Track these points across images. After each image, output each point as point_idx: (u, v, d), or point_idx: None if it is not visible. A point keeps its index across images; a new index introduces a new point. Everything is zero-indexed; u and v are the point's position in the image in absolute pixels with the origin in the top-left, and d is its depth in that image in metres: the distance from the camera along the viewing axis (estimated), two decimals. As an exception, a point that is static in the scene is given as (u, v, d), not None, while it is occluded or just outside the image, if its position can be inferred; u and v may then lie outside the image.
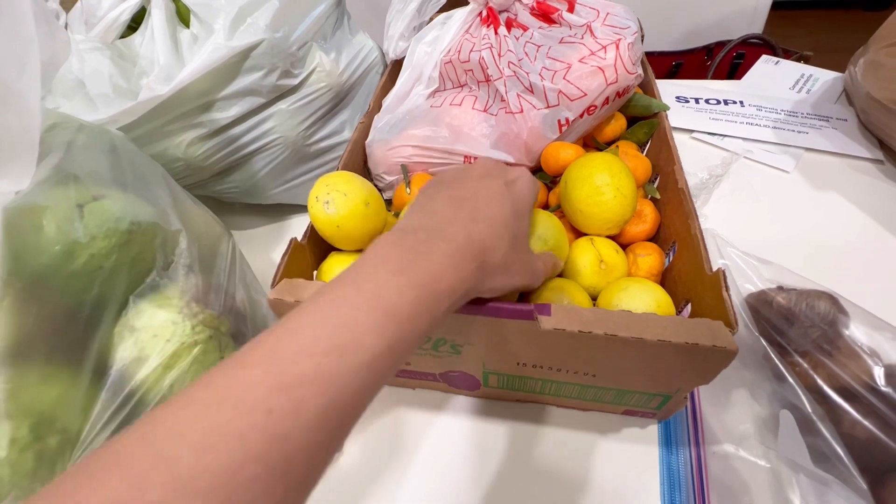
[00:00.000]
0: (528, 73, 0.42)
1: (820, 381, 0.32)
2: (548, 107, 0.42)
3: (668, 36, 1.08)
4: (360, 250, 0.40)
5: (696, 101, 0.68)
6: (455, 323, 0.31)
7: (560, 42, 0.44)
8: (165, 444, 0.14)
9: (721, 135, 0.63)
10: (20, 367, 0.24)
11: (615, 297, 0.34)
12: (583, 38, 0.42)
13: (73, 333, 0.27)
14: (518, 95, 0.43)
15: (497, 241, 0.25)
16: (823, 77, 0.71)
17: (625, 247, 0.43)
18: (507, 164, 0.46)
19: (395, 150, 0.46)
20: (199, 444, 0.14)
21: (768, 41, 0.92)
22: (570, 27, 0.44)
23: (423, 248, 0.22)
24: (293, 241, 0.36)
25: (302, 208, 0.60)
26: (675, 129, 0.64)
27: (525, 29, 0.45)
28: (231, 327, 0.32)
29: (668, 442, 0.37)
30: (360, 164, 0.49)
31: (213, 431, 0.15)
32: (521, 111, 0.43)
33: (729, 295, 0.30)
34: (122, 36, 0.48)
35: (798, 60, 0.94)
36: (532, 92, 0.43)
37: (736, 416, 0.36)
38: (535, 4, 0.44)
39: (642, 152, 0.51)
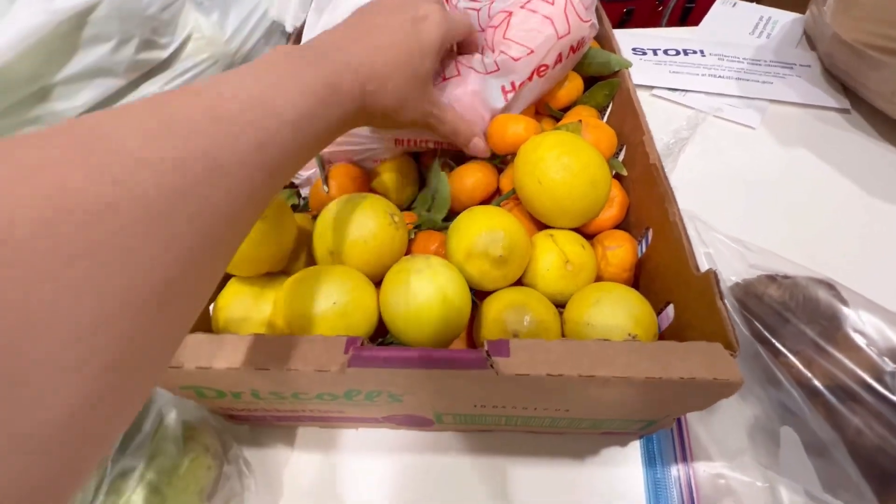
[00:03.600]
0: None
1: (818, 384, 0.28)
2: (488, 72, 0.34)
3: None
4: (269, 273, 0.31)
5: (654, 52, 0.62)
6: (386, 375, 0.23)
7: None
8: (114, 129, 0.12)
9: (683, 90, 0.57)
10: None
11: (585, 313, 0.28)
12: None
13: None
14: (454, 59, 0.34)
15: (391, 70, 0.25)
16: (783, 19, 0.66)
17: (590, 236, 0.36)
18: (449, 144, 0.37)
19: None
20: (149, 133, 0.13)
21: (722, -19, 0.86)
22: None
23: (322, 54, 0.22)
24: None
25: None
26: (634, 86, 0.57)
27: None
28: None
29: (652, 461, 0.32)
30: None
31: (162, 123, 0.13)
32: (458, 75, 0.34)
33: (725, 304, 0.24)
34: None
35: (752, 0, 0.89)
36: (468, 51, 0.34)
37: (727, 426, 0.32)
38: None
39: (602, 118, 0.44)
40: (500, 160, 0.39)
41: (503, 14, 0.35)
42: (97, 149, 0.12)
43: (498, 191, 0.39)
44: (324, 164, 0.37)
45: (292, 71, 0.19)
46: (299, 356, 0.23)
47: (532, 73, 0.36)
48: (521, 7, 0.34)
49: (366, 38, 0.25)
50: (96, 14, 0.32)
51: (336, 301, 0.26)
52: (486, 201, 0.39)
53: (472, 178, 0.38)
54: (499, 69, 0.34)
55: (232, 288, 0.30)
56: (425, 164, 0.42)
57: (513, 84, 0.35)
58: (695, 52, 0.61)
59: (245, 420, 0.33)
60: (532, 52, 0.34)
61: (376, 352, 0.22)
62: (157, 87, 0.37)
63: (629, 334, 0.27)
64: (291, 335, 0.24)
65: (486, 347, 0.22)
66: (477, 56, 0.34)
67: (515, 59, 0.34)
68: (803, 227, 0.45)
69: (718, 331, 0.24)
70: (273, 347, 0.23)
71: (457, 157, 0.40)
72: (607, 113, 0.44)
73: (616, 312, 0.27)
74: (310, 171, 0.38)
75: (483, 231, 0.29)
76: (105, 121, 0.13)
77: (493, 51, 0.34)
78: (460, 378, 0.23)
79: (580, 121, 0.34)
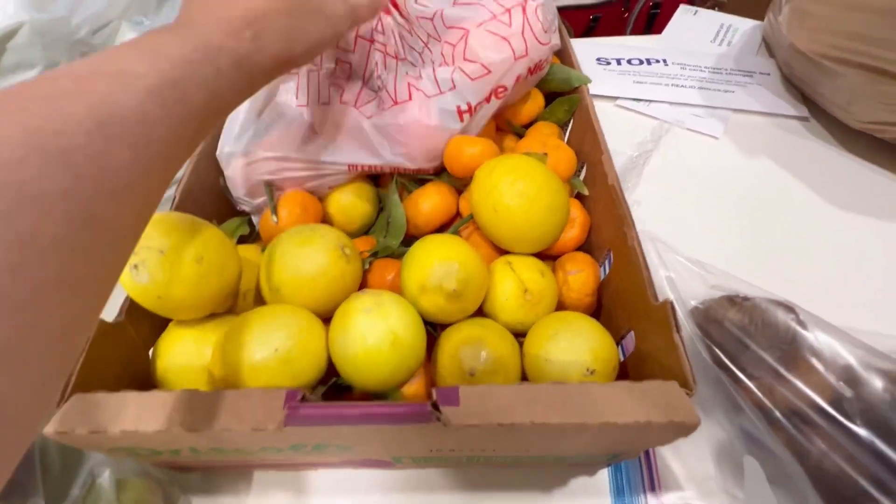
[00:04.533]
0: (414, 49, 0.32)
1: (778, 412, 0.27)
2: (442, 91, 0.33)
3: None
4: (213, 314, 0.29)
5: (618, 62, 0.62)
6: (329, 431, 0.22)
7: (453, 4, 0.34)
8: None
9: (647, 100, 0.57)
10: None
11: (543, 347, 0.27)
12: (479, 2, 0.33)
13: None
14: (407, 82, 0.33)
15: (267, 4, 0.22)
16: (743, 27, 0.67)
17: (553, 257, 0.35)
18: (405, 168, 0.36)
19: (256, 163, 0.35)
20: None
21: (684, -11, 0.87)
22: None
23: (185, 22, 0.21)
24: (98, 325, 0.25)
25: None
26: (598, 96, 0.57)
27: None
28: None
29: (620, 491, 0.32)
30: (212, 184, 0.38)
31: None
32: (410, 99, 0.33)
33: (681, 337, 0.23)
34: None
35: (712, 7, 0.90)
36: (421, 75, 0.33)
37: (694, 452, 0.31)
38: None
39: (564, 133, 0.44)
40: (462, 183, 0.38)
41: (460, 31, 0.34)
42: None
43: (458, 214, 0.38)
44: (273, 192, 0.35)
45: (151, 42, 0.18)
46: (233, 414, 0.21)
47: (490, 94, 0.35)
48: (478, 26, 0.33)
49: None
50: (16, 41, 0.30)
51: (278, 348, 0.25)
52: (445, 225, 0.38)
53: (429, 202, 0.37)
54: (455, 87, 0.33)
55: (173, 332, 0.28)
56: (384, 187, 0.41)
57: (469, 105, 0.34)
58: (658, 62, 0.61)
59: (193, 469, 0.31)
60: (488, 72, 0.33)
61: (314, 409, 0.20)
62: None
63: (587, 369, 0.26)
64: (226, 389, 0.22)
65: (434, 397, 0.21)
66: (428, 73, 0.33)
67: (473, 79, 0.33)
68: (765, 237, 0.45)
69: (675, 366, 0.23)
70: (205, 404, 0.21)
71: (416, 179, 0.39)
72: (568, 129, 0.43)
73: (574, 346, 0.26)
74: (260, 198, 0.37)
75: (436, 263, 0.28)
76: None
77: (450, 66, 0.33)
78: (407, 430, 0.22)
79: (545, 153, 0.33)
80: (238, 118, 0.35)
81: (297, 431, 0.21)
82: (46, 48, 0.31)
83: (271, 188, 0.35)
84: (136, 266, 0.25)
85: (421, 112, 0.33)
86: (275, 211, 0.34)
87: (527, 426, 0.21)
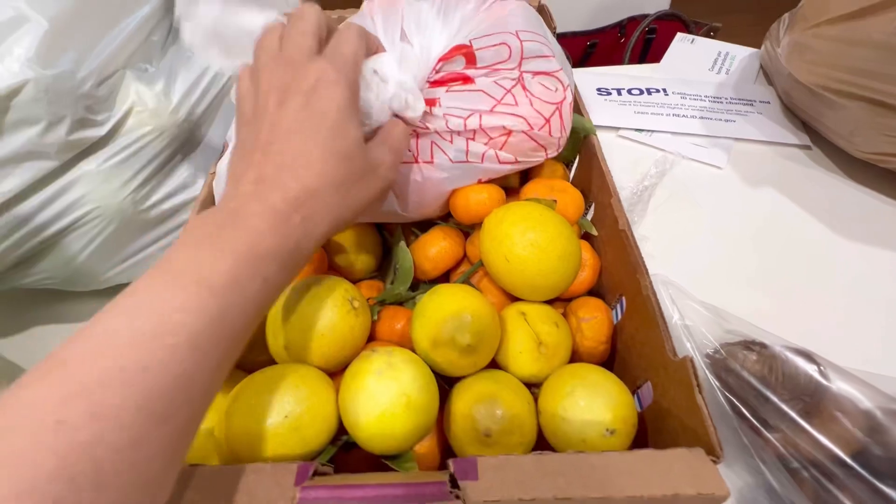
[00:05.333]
0: (459, 136, 0.33)
1: (799, 464, 0.27)
2: (469, 161, 0.33)
3: (579, 13, 1.02)
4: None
5: (619, 92, 0.62)
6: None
7: (490, 111, 0.33)
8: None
9: (648, 130, 0.57)
10: None
11: (560, 406, 0.26)
12: (516, 103, 0.33)
13: None
14: (431, 141, 0.33)
15: (320, 179, 0.22)
16: (740, 54, 0.67)
17: (564, 300, 0.35)
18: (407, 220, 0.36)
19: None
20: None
21: (680, 16, 0.88)
22: (498, 85, 0.34)
23: (234, 216, 0.20)
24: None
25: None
26: (599, 127, 0.57)
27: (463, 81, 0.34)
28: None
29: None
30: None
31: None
32: (432, 162, 0.33)
33: (704, 398, 0.23)
34: None
35: (708, 33, 0.92)
36: (452, 140, 0.33)
37: None
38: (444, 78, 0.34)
39: (569, 171, 0.43)
40: (468, 228, 0.37)
41: (502, 131, 0.33)
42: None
43: (465, 257, 0.38)
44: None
45: (196, 268, 0.18)
46: (244, 491, 0.20)
47: (508, 170, 0.35)
48: (521, 132, 0.33)
49: (267, 164, 0.22)
50: (21, 98, 0.30)
51: (288, 414, 0.24)
52: (452, 268, 0.37)
53: (436, 246, 0.36)
54: (482, 162, 0.33)
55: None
56: (390, 230, 0.41)
57: (489, 179, 0.34)
58: (658, 91, 0.62)
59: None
60: (517, 163, 0.34)
61: (327, 490, 0.19)
62: (94, 165, 0.34)
63: (607, 429, 0.25)
64: (235, 465, 0.21)
65: (451, 469, 0.20)
66: (460, 143, 0.33)
67: (501, 163, 0.33)
68: (773, 267, 0.45)
69: (699, 429, 0.22)
70: (214, 481, 0.21)
71: (421, 223, 0.39)
72: (574, 166, 0.43)
73: (592, 405, 0.25)
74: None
75: (449, 316, 0.27)
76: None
77: (485, 146, 0.33)
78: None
79: (554, 200, 0.33)
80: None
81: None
82: (51, 103, 0.31)
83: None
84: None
85: (440, 174, 0.33)
86: (281, 260, 0.34)
87: (549, 501, 0.20)
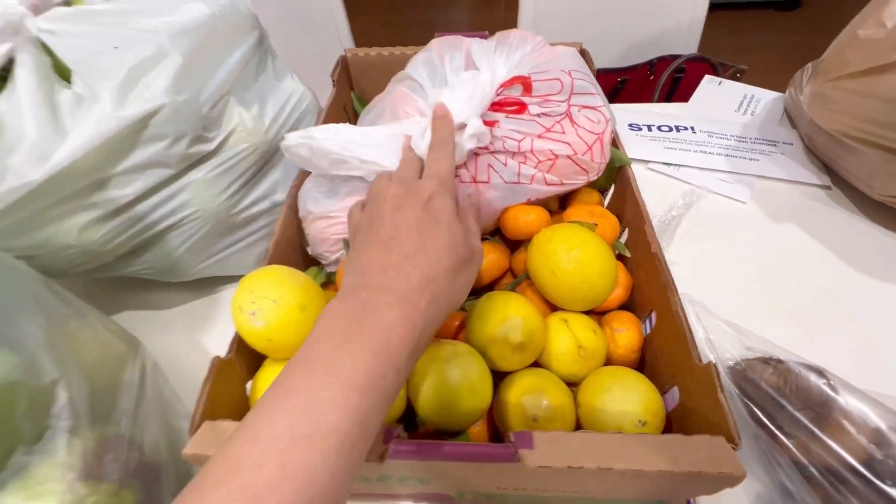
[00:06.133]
0: (512, 158, 0.38)
1: (813, 468, 0.30)
2: (520, 182, 0.38)
3: (610, 51, 1.08)
4: (301, 355, 0.33)
5: (649, 128, 0.67)
6: (417, 466, 0.25)
7: (542, 137, 0.39)
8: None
9: (676, 165, 0.62)
10: None
11: (598, 399, 0.30)
12: (564, 132, 0.38)
13: None
14: (488, 163, 0.38)
15: (438, 266, 0.24)
16: (765, 98, 0.72)
17: (599, 313, 0.39)
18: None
19: (335, 224, 0.40)
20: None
21: (708, 59, 0.93)
22: (548, 115, 0.39)
23: (368, 307, 0.22)
24: (215, 361, 0.30)
25: (233, 279, 0.52)
26: (632, 159, 0.62)
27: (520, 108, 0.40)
28: (139, 496, 0.26)
29: (663, 538, 0.34)
30: (296, 236, 0.43)
31: None
32: (488, 181, 0.38)
33: (725, 397, 0.27)
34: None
35: (734, 75, 0.97)
36: (506, 163, 0.38)
37: (734, 503, 0.34)
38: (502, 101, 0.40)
39: (604, 198, 0.48)
40: (514, 243, 0.42)
41: (550, 155, 0.38)
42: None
43: (510, 269, 0.42)
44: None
45: (341, 368, 0.19)
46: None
47: (553, 192, 0.40)
48: (567, 157, 0.38)
49: (390, 255, 0.24)
50: (157, 118, 0.36)
51: (371, 389, 0.29)
52: (499, 278, 0.42)
53: (487, 258, 0.41)
54: (532, 183, 0.39)
55: (269, 369, 0.33)
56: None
57: (537, 199, 0.40)
58: (686, 129, 0.66)
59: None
60: (562, 185, 0.39)
61: (414, 446, 0.24)
62: (201, 174, 0.41)
63: (639, 421, 0.29)
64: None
65: (512, 440, 0.25)
66: (513, 166, 0.38)
67: (548, 185, 0.38)
68: (792, 300, 0.48)
69: (721, 423, 0.26)
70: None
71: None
72: (609, 194, 0.48)
73: (627, 400, 0.29)
74: (338, 253, 0.41)
75: (504, 318, 0.32)
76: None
77: (535, 169, 0.38)
78: (488, 467, 0.25)
79: (595, 223, 0.37)
80: (321, 187, 0.41)
81: (393, 463, 0.25)
82: (178, 123, 0.37)
83: (349, 245, 0.40)
84: (253, 313, 0.29)
85: (494, 193, 0.38)
86: (354, 263, 0.39)
87: (592, 470, 0.24)
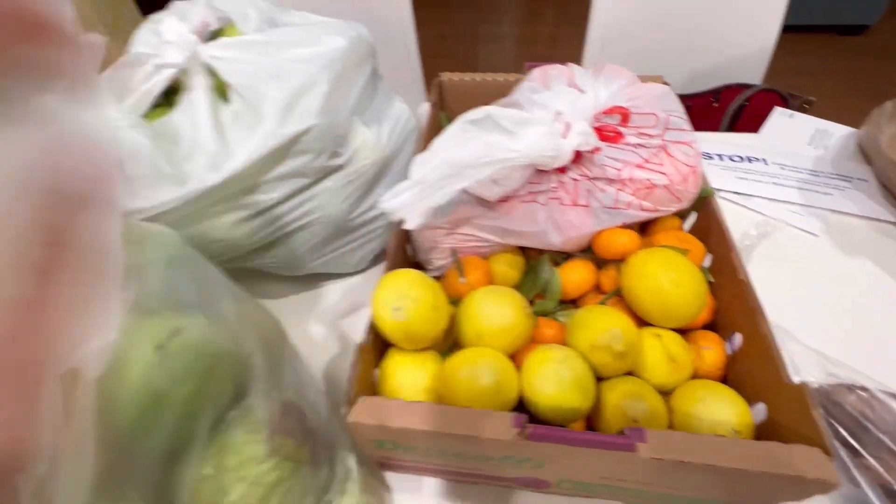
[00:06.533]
0: (610, 185, 0.42)
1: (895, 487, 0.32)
2: (617, 208, 0.42)
3: (673, 77, 1.10)
4: (424, 349, 0.38)
5: (720, 157, 0.70)
6: (544, 448, 0.30)
7: (641, 167, 0.43)
8: None
9: (748, 195, 0.64)
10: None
11: (693, 407, 0.34)
12: (662, 163, 0.42)
13: (155, 479, 0.25)
14: (587, 188, 0.43)
15: None
16: (837, 132, 0.73)
17: (683, 332, 0.43)
18: (554, 249, 0.45)
19: (444, 234, 0.45)
20: None
21: (776, 90, 0.95)
22: (644, 146, 0.43)
23: None
24: (361, 348, 0.35)
25: (334, 276, 0.58)
26: (703, 187, 0.65)
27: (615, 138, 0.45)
28: (309, 453, 0.31)
29: (741, 542, 0.37)
30: (403, 243, 0.48)
31: None
32: (587, 207, 0.43)
33: (819, 414, 0.30)
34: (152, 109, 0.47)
35: (801, 106, 0.97)
36: (604, 189, 0.43)
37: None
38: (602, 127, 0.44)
39: (684, 223, 0.51)
40: (603, 262, 0.46)
41: (647, 184, 0.42)
42: None
43: (597, 286, 0.46)
44: (457, 257, 0.45)
45: None
46: (476, 426, 0.30)
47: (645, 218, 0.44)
48: (663, 187, 0.42)
49: None
50: (306, 137, 0.42)
51: (496, 381, 0.33)
52: (585, 293, 0.46)
53: (578, 274, 0.45)
54: (629, 208, 0.43)
55: (396, 358, 0.38)
56: (530, 255, 0.50)
57: (626, 223, 0.44)
58: (758, 160, 0.69)
59: (389, 467, 0.39)
60: (656, 210, 0.43)
61: (550, 430, 0.28)
62: (331, 183, 0.47)
63: (733, 429, 0.32)
64: (470, 408, 0.31)
65: (627, 434, 0.29)
66: (611, 192, 0.42)
67: (643, 210, 0.43)
68: (865, 333, 0.50)
69: (815, 437, 0.29)
70: (457, 417, 0.30)
71: (561, 253, 0.48)
72: (689, 220, 0.51)
73: (721, 410, 0.33)
74: (444, 260, 0.47)
75: (606, 328, 0.36)
76: None
77: (631, 196, 0.42)
78: (605, 455, 0.29)
79: (687, 249, 0.41)
80: (418, 208, 0.46)
81: (523, 445, 0.29)
82: (322, 140, 0.43)
83: (456, 254, 0.45)
84: (396, 308, 0.35)
85: (592, 217, 0.43)
86: (462, 273, 0.44)
87: (699, 466, 0.28)
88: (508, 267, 0.47)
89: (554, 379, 0.33)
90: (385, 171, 0.53)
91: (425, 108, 0.59)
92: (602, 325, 0.36)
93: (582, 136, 0.40)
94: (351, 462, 0.35)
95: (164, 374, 0.25)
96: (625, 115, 0.44)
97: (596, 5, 0.99)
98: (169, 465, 0.25)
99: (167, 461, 0.25)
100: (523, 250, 0.51)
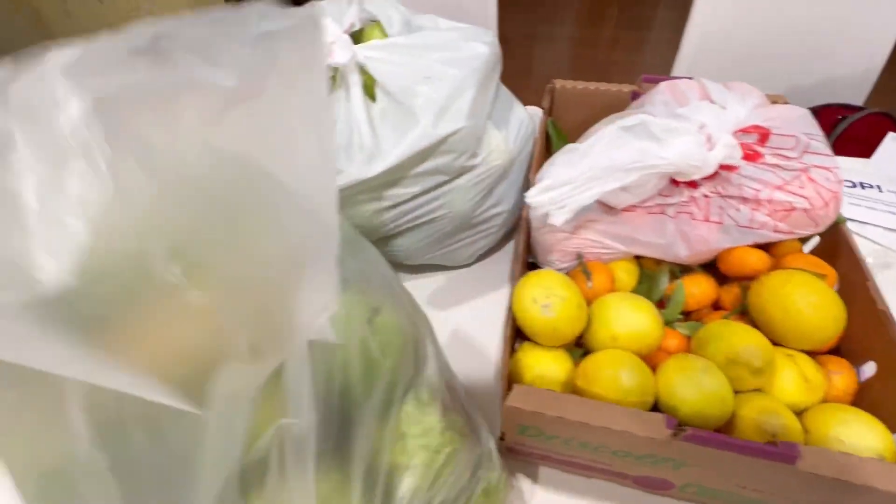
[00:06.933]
0: (744, 204, 0.43)
1: None
2: (752, 227, 0.43)
3: (768, 92, 1.07)
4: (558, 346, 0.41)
5: (829, 181, 0.68)
6: (693, 450, 0.32)
7: (781, 189, 0.43)
8: None
9: (862, 222, 0.63)
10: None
11: (833, 429, 0.34)
12: (803, 186, 0.43)
13: (350, 441, 0.29)
14: (719, 205, 0.44)
15: None
16: (959, 163, 0.70)
17: (811, 355, 0.43)
18: (678, 261, 0.46)
19: (565, 237, 0.47)
20: None
21: (887, 113, 0.91)
22: (783, 168, 0.44)
23: None
24: (509, 339, 0.38)
25: (440, 268, 0.61)
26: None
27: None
28: (469, 429, 0.34)
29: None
30: (528, 242, 0.51)
31: None
32: (721, 224, 0.43)
33: (977, 449, 0.30)
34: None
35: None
36: (738, 209, 0.43)
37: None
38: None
39: (803, 246, 0.51)
40: (729, 279, 0.47)
41: (787, 206, 0.43)
42: None
43: (717, 303, 0.47)
44: (585, 263, 0.47)
45: None
46: (624, 422, 0.32)
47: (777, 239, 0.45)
48: (803, 210, 0.43)
49: None
50: (454, 138, 0.45)
51: (640, 382, 0.35)
52: (703, 307, 0.47)
53: (699, 287, 0.46)
54: (762, 228, 0.43)
55: (534, 352, 0.40)
56: (645, 265, 0.51)
57: (764, 243, 0.44)
58: (871, 187, 0.67)
59: (514, 452, 0.42)
60: (791, 233, 0.43)
61: (711, 436, 0.30)
62: (464, 181, 0.50)
63: (878, 455, 0.33)
64: (619, 406, 0.33)
65: (780, 446, 0.30)
66: (746, 211, 0.43)
67: (776, 231, 0.43)
68: None
69: (972, 471, 0.30)
70: (615, 413, 0.32)
71: (679, 265, 0.49)
72: (811, 244, 0.51)
73: (865, 434, 0.34)
74: (567, 263, 0.49)
75: (744, 344, 0.37)
76: None
77: (768, 218, 0.43)
78: (756, 465, 0.31)
79: (825, 274, 0.41)
80: (568, 205, 0.48)
81: (672, 446, 0.31)
82: (466, 142, 0.46)
83: (582, 258, 0.47)
84: (546, 305, 0.37)
85: (723, 234, 0.44)
86: (589, 278, 0.46)
87: (856, 486, 0.29)
88: (625, 274, 0.49)
89: (697, 387, 0.35)
90: (507, 173, 0.55)
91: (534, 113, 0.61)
92: (739, 340, 0.37)
93: (727, 149, 0.41)
94: (490, 442, 0.37)
95: (376, 345, 0.29)
96: (764, 135, 0.45)
97: (696, 9, 0.97)
98: (380, 425, 0.28)
99: (379, 421, 0.28)
100: (636, 259, 0.52)
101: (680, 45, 1.06)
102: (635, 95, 0.62)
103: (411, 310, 0.35)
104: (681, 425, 0.36)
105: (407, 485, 0.30)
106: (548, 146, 0.64)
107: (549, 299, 0.37)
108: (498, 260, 0.63)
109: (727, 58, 1.04)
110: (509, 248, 0.64)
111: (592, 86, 0.65)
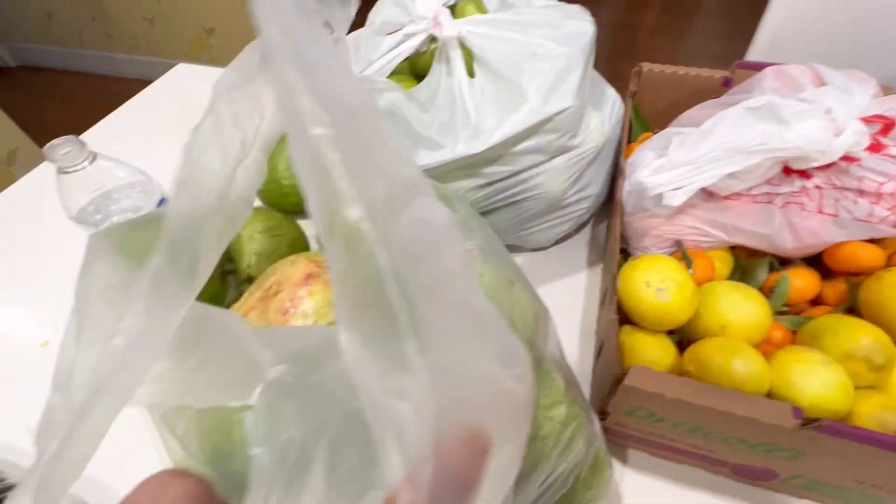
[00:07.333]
0: (862, 197, 0.41)
1: None
2: (869, 221, 0.42)
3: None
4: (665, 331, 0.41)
5: None
6: (819, 441, 0.31)
7: None
8: None
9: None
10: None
11: (966, 430, 0.34)
12: None
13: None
14: (835, 198, 0.42)
15: None
16: None
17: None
18: (782, 254, 0.45)
19: (660, 223, 0.47)
20: None
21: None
22: None
23: None
24: (613, 321, 0.38)
25: (518, 249, 0.61)
26: None
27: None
28: (585, 405, 0.34)
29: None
30: (619, 227, 0.50)
31: None
32: (836, 215, 0.42)
33: None
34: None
35: None
36: (856, 201, 0.42)
37: None
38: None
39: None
40: (836, 274, 0.46)
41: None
42: None
43: (819, 297, 0.46)
44: (686, 251, 0.47)
45: None
46: (764, 411, 0.32)
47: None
48: None
49: None
50: (561, 116, 0.45)
51: (757, 371, 0.35)
52: (803, 300, 0.46)
53: (803, 281, 0.45)
54: (881, 223, 0.42)
55: (639, 336, 0.40)
56: (738, 255, 0.50)
57: (871, 238, 0.43)
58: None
59: (614, 435, 0.43)
60: None
61: (848, 428, 0.30)
62: (559, 162, 0.50)
63: None
64: (740, 392, 0.33)
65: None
66: (864, 204, 0.41)
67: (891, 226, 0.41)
68: None
69: None
70: (737, 399, 0.32)
71: (778, 257, 0.48)
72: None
73: None
74: (664, 249, 0.48)
75: (863, 339, 0.36)
76: None
77: (888, 211, 0.41)
78: (881, 460, 0.30)
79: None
80: (676, 196, 0.47)
81: (798, 436, 0.31)
82: (570, 122, 0.46)
83: (682, 245, 0.47)
84: (661, 290, 0.37)
85: (837, 228, 0.42)
86: (690, 265, 0.45)
87: None
88: (721, 263, 0.48)
89: (819, 380, 0.34)
90: (599, 156, 0.55)
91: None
92: (857, 335, 0.37)
93: (856, 136, 0.40)
94: (596, 421, 0.38)
95: (517, 314, 0.29)
96: (888, 125, 0.43)
97: (778, -3, 0.93)
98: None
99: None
100: (732, 248, 0.51)
101: (756, 33, 1.02)
102: (727, 81, 0.60)
103: (528, 284, 0.35)
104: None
105: (533, 454, 0.30)
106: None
107: (664, 283, 0.37)
108: (574, 244, 0.63)
109: (805, 45, 0.99)
110: (585, 233, 0.64)
111: (682, 70, 0.63)
